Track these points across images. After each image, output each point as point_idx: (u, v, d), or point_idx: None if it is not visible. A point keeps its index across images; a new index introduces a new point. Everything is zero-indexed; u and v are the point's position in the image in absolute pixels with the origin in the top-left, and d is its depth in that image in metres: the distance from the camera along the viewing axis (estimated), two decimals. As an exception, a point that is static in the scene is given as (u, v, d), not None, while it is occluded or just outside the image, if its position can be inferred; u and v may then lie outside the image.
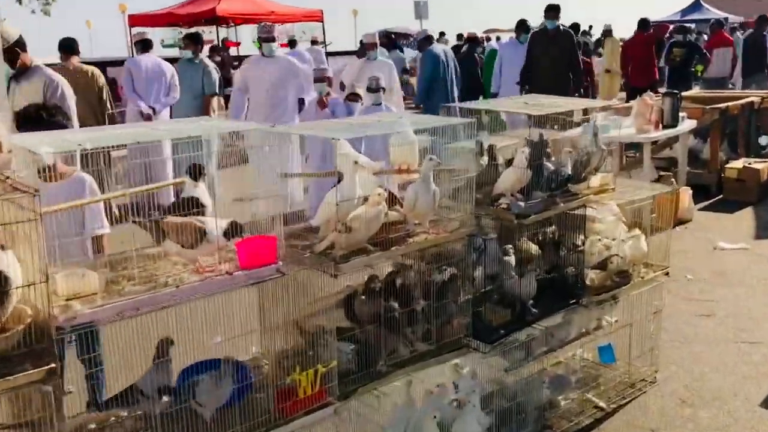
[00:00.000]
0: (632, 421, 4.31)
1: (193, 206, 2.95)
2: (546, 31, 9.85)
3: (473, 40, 14.36)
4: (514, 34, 11.31)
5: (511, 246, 3.92)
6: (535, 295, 3.94)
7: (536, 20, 10.25)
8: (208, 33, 19.52)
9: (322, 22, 19.43)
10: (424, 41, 10.70)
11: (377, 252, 3.20)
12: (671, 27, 16.23)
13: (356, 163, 3.15)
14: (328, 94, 7.20)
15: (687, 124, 8.92)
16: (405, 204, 3.46)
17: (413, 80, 16.35)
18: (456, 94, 10.22)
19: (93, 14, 58.59)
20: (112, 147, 2.67)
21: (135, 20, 18.31)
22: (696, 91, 12.31)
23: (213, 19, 18.39)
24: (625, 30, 18.24)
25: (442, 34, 23.14)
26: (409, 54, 21.20)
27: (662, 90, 10.63)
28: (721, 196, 9.55)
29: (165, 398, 2.84)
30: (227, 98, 11.86)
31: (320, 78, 7.34)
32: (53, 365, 2.24)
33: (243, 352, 3.36)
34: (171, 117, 9.04)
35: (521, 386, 4.06)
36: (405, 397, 3.70)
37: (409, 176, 3.66)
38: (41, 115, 3.70)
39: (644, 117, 8.24)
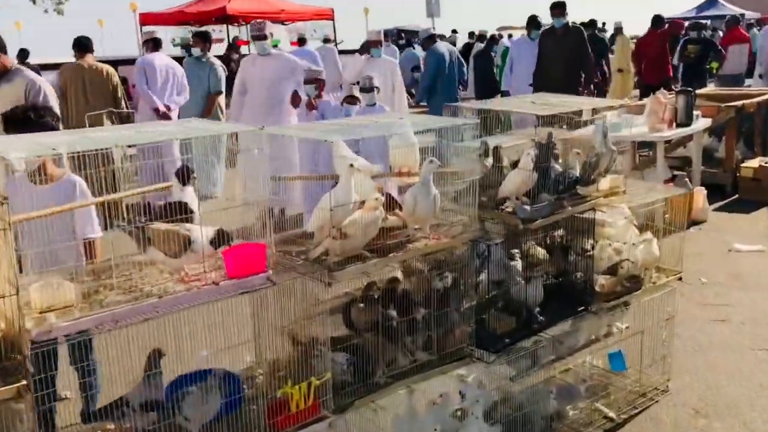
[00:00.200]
0: (643, 433, 4.16)
1: (181, 212, 2.82)
2: (554, 29, 9.68)
3: (491, 39, 14.25)
4: (525, 32, 11.15)
5: (517, 251, 3.79)
6: (542, 301, 3.80)
7: (549, 17, 10.05)
8: (218, 32, 19.49)
9: (333, 20, 19.35)
10: (428, 40, 10.53)
11: (374, 259, 3.06)
12: (687, 24, 15.95)
13: (352, 165, 3.02)
14: (318, 96, 7.01)
15: (701, 123, 8.78)
16: (404, 208, 3.33)
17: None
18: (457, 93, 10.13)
19: (105, 13, 58.68)
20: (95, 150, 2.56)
21: (146, 19, 18.34)
22: (711, 88, 12.11)
23: (223, 17, 18.37)
24: (638, 28, 18.01)
25: (454, 31, 23.02)
26: (421, 52, 21.06)
27: (676, 87, 10.45)
28: (736, 195, 9.35)
29: (152, 414, 2.72)
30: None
31: (310, 80, 7.14)
32: (24, 382, 2.12)
33: (237, 362, 3.25)
34: (179, 116, 8.95)
35: (527, 396, 3.94)
36: (406, 407, 3.57)
37: (409, 179, 3.52)
38: (29, 117, 3.60)
39: (657, 115, 8.09)
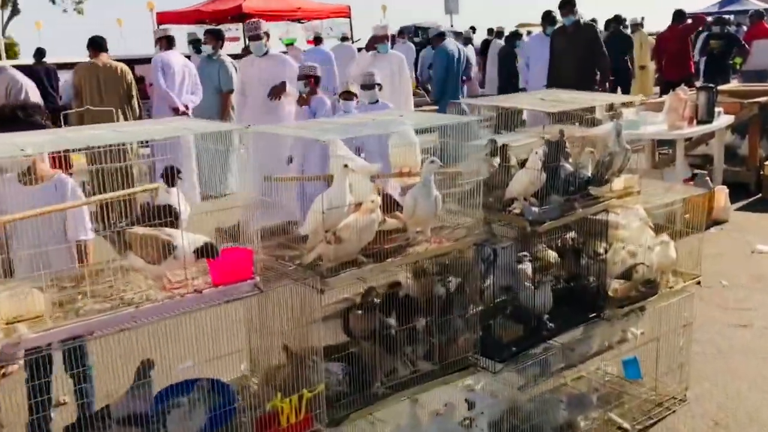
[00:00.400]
0: (659, 445, 3.98)
1: (166, 215, 2.69)
2: (565, 27, 9.47)
3: (513, 35, 14.08)
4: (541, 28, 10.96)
5: (526, 254, 3.62)
6: (552, 307, 3.63)
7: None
8: (235, 30, 19.41)
9: (350, 18, 19.22)
10: (437, 38, 10.32)
11: (370, 264, 2.91)
12: (709, 19, 15.63)
13: (346, 166, 2.86)
14: (311, 92, 6.83)
15: (723, 120, 8.57)
16: (404, 210, 3.18)
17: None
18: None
19: (123, 13, 58.92)
20: (72, 150, 2.44)
21: (163, 18, 18.37)
22: (734, 84, 11.82)
23: (239, 16, 18.29)
24: (660, 24, 17.63)
25: (472, 28, 22.77)
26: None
27: (698, 84, 10.20)
28: (760, 195, 9.12)
29: (134, 429, 2.59)
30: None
31: (303, 76, 6.94)
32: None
33: (231, 370, 3.12)
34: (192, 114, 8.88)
35: (536, 405, 3.77)
36: (409, 417, 3.42)
37: (410, 180, 3.37)
38: (17, 115, 3.49)
39: (677, 112, 7.88)
